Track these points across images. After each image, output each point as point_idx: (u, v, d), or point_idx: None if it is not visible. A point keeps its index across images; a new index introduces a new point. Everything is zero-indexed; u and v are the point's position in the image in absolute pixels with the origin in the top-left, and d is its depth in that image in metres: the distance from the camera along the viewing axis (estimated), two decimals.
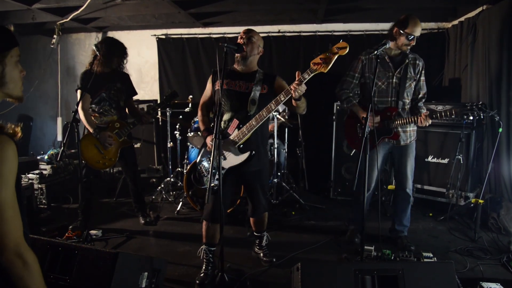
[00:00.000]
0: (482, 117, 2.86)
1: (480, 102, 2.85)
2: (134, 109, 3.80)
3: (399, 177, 3.24)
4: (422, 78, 3.15)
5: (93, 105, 3.53)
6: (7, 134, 1.14)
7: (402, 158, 3.18)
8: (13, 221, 1.11)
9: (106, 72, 3.48)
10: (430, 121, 2.92)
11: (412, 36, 2.94)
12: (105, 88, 3.53)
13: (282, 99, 2.47)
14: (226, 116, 2.67)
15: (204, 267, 2.76)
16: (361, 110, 3.11)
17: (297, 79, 2.38)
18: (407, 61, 3.06)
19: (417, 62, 3.10)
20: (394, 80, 3.06)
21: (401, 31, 2.97)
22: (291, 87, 2.39)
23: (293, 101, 2.47)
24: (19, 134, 1.20)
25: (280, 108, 4.27)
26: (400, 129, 3.08)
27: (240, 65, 2.68)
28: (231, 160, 2.62)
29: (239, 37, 2.67)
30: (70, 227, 3.55)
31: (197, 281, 2.65)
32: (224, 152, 2.61)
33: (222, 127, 2.64)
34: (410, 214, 3.37)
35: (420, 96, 3.18)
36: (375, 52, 2.56)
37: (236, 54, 2.64)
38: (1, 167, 1.08)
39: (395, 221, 3.33)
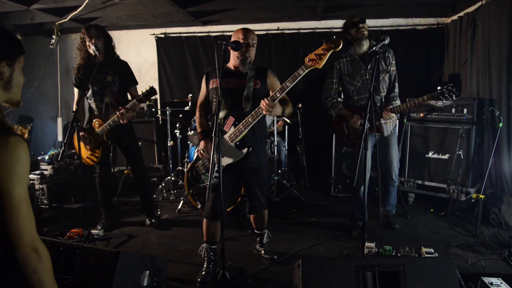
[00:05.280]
0: (454, 98, 2.90)
1: (451, 84, 2.92)
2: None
3: (387, 166, 3.43)
4: (393, 68, 3.26)
5: (92, 100, 3.47)
6: (19, 135, 1.20)
7: (387, 148, 3.37)
8: (28, 217, 1.17)
9: (96, 63, 3.28)
10: (393, 115, 3.11)
11: (357, 23, 3.11)
12: (96, 80, 3.40)
13: (278, 95, 2.49)
14: (221, 114, 2.65)
15: (205, 265, 2.77)
16: (349, 112, 3.29)
17: (263, 105, 2.45)
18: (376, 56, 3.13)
19: (387, 54, 3.23)
20: (367, 77, 3.18)
21: (349, 28, 3.19)
22: (262, 110, 2.47)
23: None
24: (26, 136, 1.29)
25: None
26: (382, 121, 3.21)
27: (240, 67, 2.66)
28: (229, 157, 2.62)
29: (236, 36, 2.62)
30: (99, 226, 3.61)
31: (199, 279, 2.66)
32: (221, 150, 2.59)
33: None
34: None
35: (391, 86, 3.30)
36: (374, 48, 2.57)
37: (237, 56, 2.61)
38: (17, 166, 1.14)
39: (384, 204, 3.57)
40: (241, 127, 2.56)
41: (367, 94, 3.16)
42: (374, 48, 2.57)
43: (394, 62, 3.27)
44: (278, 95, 2.46)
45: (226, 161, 2.63)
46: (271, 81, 2.71)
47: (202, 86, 2.83)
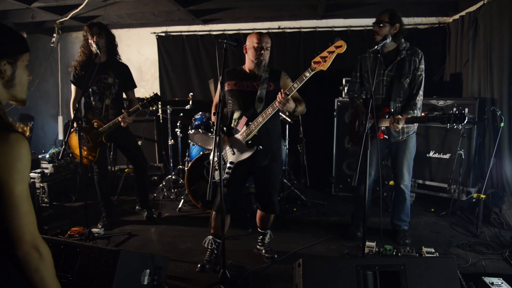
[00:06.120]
0: (460, 127, 2.78)
1: (463, 111, 2.74)
2: (134, 104, 3.48)
3: (395, 173, 3.28)
4: (419, 73, 2.99)
5: (90, 99, 3.46)
6: (20, 132, 1.19)
7: (398, 154, 3.20)
8: (29, 215, 1.16)
9: (97, 62, 3.27)
10: (399, 126, 2.87)
11: (375, 25, 2.98)
12: (95, 79, 3.39)
13: (294, 86, 2.53)
14: (236, 115, 2.75)
15: (207, 255, 2.84)
16: (364, 110, 3.14)
17: (278, 98, 2.48)
18: (398, 58, 3.02)
19: (414, 58, 2.98)
20: (384, 78, 3.06)
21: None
22: (276, 103, 2.51)
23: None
24: (27, 133, 1.25)
25: None
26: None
27: (255, 70, 2.74)
28: (240, 155, 2.71)
29: (250, 41, 2.69)
30: (100, 225, 3.62)
31: (199, 265, 2.75)
32: (233, 147, 2.73)
33: (233, 124, 2.76)
34: (411, 209, 3.40)
35: (414, 92, 3.03)
36: (376, 47, 2.56)
37: (252, 59, 2.69)
38: (17, 163, 1.13)
39: (393, 215, 3.38)
40: (252, 126, 2.64)
41: (380, 96, 3.08)
42: (376, 47, 2.55)
43: (422, 66, 2.99)
44: (295, 87, 2.49)
45: (237, 158, 2.71)
46: (284, 82, 2.78)
47: (217, 87, 2.88)
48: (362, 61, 3.19)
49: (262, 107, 2.66)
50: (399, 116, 2.87)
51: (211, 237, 2.87)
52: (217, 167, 2.69)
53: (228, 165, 2.72)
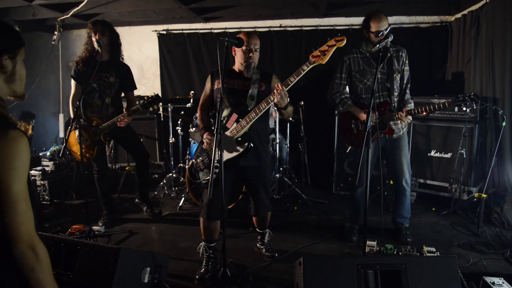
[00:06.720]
0: (475, 107, 2.82)
1: (472, 93, 2.83)
2: (133, 105, 3.51)
3: (394, 170, 3.25)
4: (406, 68, 3.15)
5: (87, 97, 3.46)
6: (20, 130, 1.19)
7: (396, 151, 3.19)
8: (26, 213, 1.14)
9: (99, 60, 3.31)
10: (410, 118, 2.96)
11: (381, 32, 2.91)
12: (97, 77, 3.40)
13: (291, 80, 2.50)
14: (225, 112, 2.69)
15: (204, 263, 2.78)
16: (358, 109, 3.14)
17: (276, 91, 2.44)
18: (389, 55, 3.06)
19: (400, 53, 3.10)
20: (378, 76, 3.07)
21: (369, 32, 2.97)
22: (272, 97, 2.48)
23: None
24: (30, 132, 1.26)
25: None
26: (391, 123, 3.09)
27: (245, 72, 2.69)
28: (229, 152, 2.64)
29: (244, 42, 2.61)
30: (100, 223, 3.62)
31: (197, 276, 2.67)
32: (222, 145, 2.62)
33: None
34: (412, 209, 3.40)
35: (404, 86, 3.16)
36: (377, 46, 2.55)
37: (241, 62, 2.65)
38: (15, 160, 1.12)
39: (395, 213, 3.37)
40: (243, 122, 2.58)
41: (378, 94, 3.08)
42: (378, 46, 2.54)
43: (407, 62, 3.14)
44: (291, 81, 2.45)
45: (226, 156, 2.64)
46: (275, 85, 2.69)
47: (206, 86, 2.84)
48: (350, 62, 3.17)
49: (254, 104, 2.61)
50: (408, 108, 2.95)
51: (203, 243, 2.79)
52: (202, 167, 2.69)
53: (216, 164, 2.42)
